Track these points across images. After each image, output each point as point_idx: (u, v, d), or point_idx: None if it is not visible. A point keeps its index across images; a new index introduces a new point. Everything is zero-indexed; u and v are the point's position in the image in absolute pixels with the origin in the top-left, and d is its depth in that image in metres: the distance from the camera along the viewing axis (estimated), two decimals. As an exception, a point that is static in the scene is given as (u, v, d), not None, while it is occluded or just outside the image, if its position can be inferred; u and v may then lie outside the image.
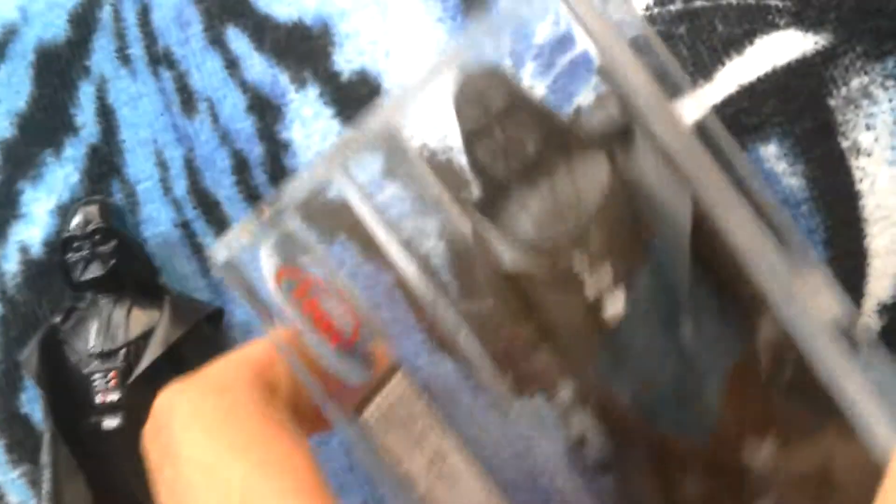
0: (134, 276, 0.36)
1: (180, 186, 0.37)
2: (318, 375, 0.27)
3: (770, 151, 0.34)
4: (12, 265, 0.39)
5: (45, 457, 0.35)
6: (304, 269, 0.31)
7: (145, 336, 0.35)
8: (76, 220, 0.35)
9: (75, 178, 0.38)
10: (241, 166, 0.36)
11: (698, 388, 0.26)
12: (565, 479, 0.29)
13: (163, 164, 0.37)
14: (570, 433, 0.26)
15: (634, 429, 0.26)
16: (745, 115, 0.34)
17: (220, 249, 0.27)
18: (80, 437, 0.35)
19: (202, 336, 0.35)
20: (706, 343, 0.26)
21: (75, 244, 0.35)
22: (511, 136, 0.26)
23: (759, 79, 0.34)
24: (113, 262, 0.35)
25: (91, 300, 0.36)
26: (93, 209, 0.35)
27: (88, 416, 0.35)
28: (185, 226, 0.37)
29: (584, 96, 0.34)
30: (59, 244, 0.35)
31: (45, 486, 0.34)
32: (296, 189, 0.28)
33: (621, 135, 0.26)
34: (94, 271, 0.35)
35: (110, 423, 0.34)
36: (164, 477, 0.23)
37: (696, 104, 0.34)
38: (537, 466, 0.31)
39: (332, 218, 0.33)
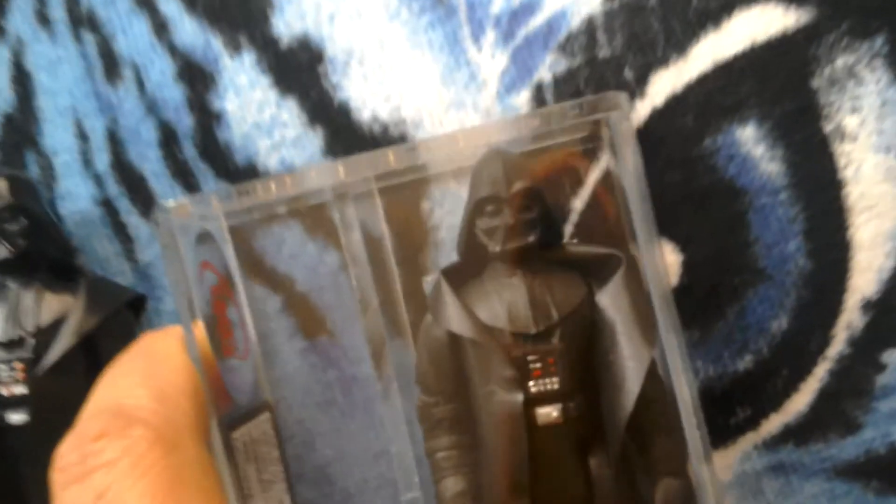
0: (47, 257, 0.32)
1: (102, 160, 0.34)
2: (210, 373, 0.27)
3: (747, 134, 0.31)
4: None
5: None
6: (223, 272, 0.31)
7: (57, 324, 0.31)
8: None
9: (-14, 148, 0.35)
10: (168, 138, 0.33)
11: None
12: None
13: (83, 135, 0.34)
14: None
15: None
16: (720, 94, 0.32)
17: (167, 210, 0.26)
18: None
19: (121, 325, 0.32)
20: (613, 485, 0.27)
21: None
22: (519, 219, 0.27)
23: (736, 56, 0.32)
24: (23, 242, 0.32)
25: None
26: (1, 184, 0.32)
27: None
28: (106, 203, 0.34)
29: (542, 73, 0.32)
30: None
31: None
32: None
33: (601, 266, 0.28)
34: (1, 252, 0.31)
35: (15, 417, 0.31)
36: None
37: (669, 82, 0.32)
38: None
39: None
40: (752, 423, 0.32)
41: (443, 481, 0.28)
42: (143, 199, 0.34)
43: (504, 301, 0.27)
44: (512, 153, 0.28)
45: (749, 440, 0.32)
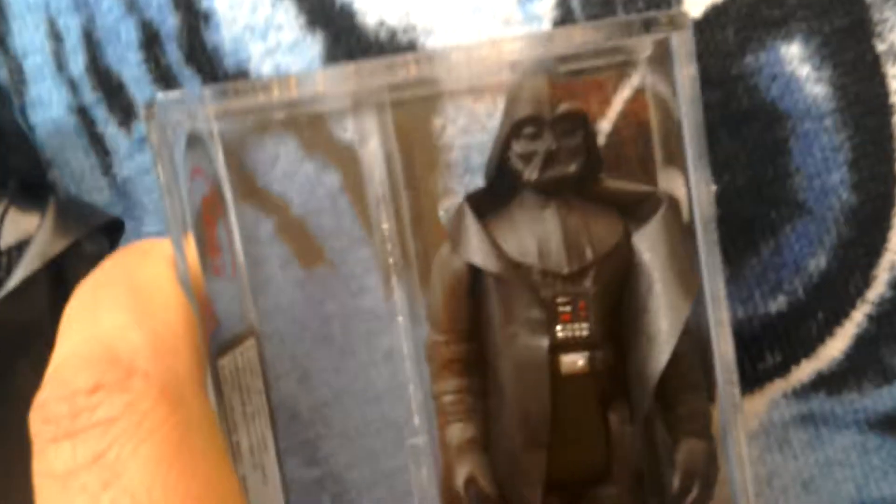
0: (13, 171, 0.29)
1: (77, 63, 0.31)
2: (200, 297, 0.24)
3: (793, 52, 0.29)
4: None
5: None
6: (214, 182, 0.28)
7: (21, 245, 0.28)
8: None
9: (-54, 47, 0.31)
10: (150, 40, 0.30)
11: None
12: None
13: (56, 35, 0.31)
14: (460, 472, 0.26)
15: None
16: (765, 6, 0.29)
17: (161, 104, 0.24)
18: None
19: (92, 251, 0.29)
20: (632, 443, 0.26)
21: None
22: (561, 145, 0.25)
23: None
24: None
25: None
26: None
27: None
28: (81, 112, 0.31)
29: None
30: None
31: None
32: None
33: (639, 205, 0.26)
34: None
35: None
36: (77, 482, 0.19)
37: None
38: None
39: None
40: (783, 369, 0.30)
41: (449, 426, 0.26)
42: (122, 106, 0.31)
43: (535, 235, 0.25)
44: (558, 72, 0.26)
45: (778, 388, 0.30)
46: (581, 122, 0.26)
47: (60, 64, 0.31)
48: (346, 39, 0.30)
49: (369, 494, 0.31)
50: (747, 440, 0.30)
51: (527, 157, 0.26)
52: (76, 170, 0.31)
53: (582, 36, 0.25)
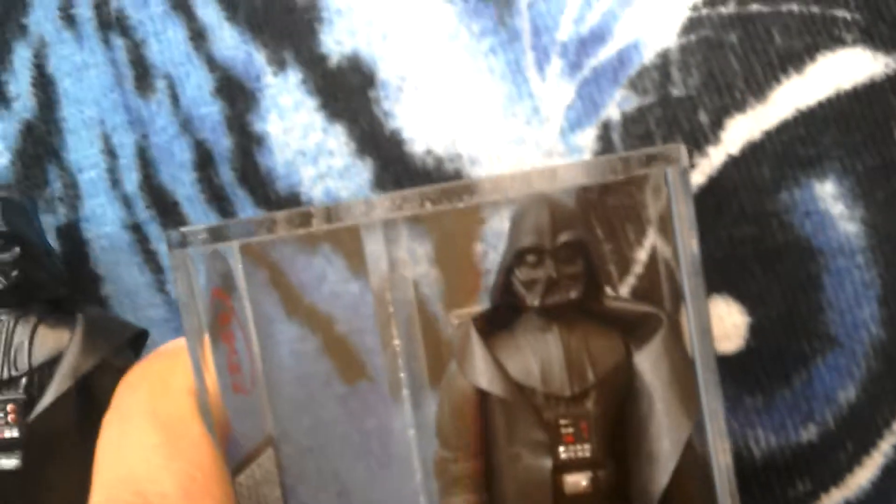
0: (42, 289, 0.30)
1: (131, 180, 0.32)
2: (216, 412, 0.26)
3: (826, 190, 0.30)
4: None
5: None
6: (233, 302, 0.29)
7: (52, 362, 0.30)
8: None
9: (5, 158, 0.33)
10: (204, 160, 0.31)
11: None
12: None
13: (111, 152, 0.32)
14: None
15: None
16: (801, 144, 0.30)
17: (179, 236, 0.25)
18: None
19: (120, 364, 0.30)
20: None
21: None
22: (562, 273, 0.26)
23: (820, 103, 0.30)
24: (15, 273, 0.30)
25: None
26: None
27: (-19, 455, 0.30)
28: (135, 228, 0.32)
29: (610, 110, 0.30)
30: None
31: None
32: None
33: (640, 325, 0.27)
34: None
35: (7, 462, 0.29)
36: None
37: (747, 128, 0.30)
38: None
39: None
40: (813, 497, 0.31)
41: None
42: (176, 224, 0.32)
43: (538, 357, 0.26)
44: (560, 200, 0.27)
45: (808, 515, 0.31)
46: (581, 250, 0.26)
47: (115, 180, 0.32)
48: (394, 166, 0.31)
49: None
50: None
51: (529, 284, 0.26)
52: (130, 286, 0.33)
53: (584, 171, 0.26)
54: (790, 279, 0.30)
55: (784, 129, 0.30)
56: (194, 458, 0.24)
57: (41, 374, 0.30)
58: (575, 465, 0.26)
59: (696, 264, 0.26)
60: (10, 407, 0.29)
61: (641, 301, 0.28)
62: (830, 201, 0.30)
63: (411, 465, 0.27)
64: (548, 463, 0.25)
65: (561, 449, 0.26)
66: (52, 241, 0.32)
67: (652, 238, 0.31)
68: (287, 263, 0.31)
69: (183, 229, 0.25)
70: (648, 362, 0.26)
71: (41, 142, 0.32)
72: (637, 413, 0.26)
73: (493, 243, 0.31)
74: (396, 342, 0.28)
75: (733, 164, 0.31)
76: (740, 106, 0.30)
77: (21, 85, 0.33)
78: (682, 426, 0.25)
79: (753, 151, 0.30)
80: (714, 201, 0.31)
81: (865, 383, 0.31)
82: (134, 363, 0.30)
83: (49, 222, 0.32)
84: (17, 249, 0.30)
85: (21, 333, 0.30)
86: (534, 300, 0.26)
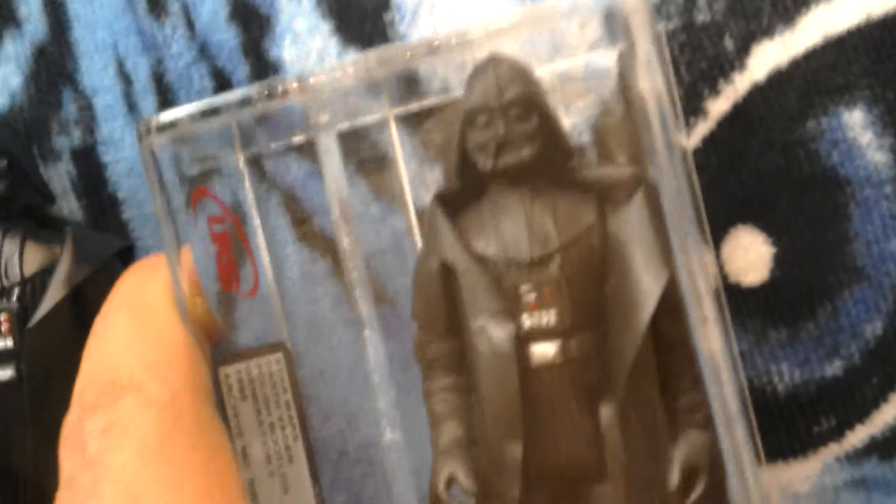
0: (28, 204, 0.31)
1: (148, 104, 0.32)
2: (194, 309, 0.27)
3: (855, 119, 0.30)
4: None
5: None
6: (230, 203, 0.30)
7: (42, 274, 0.30)
8: None
9: (17, 80, 0.32)
10: (223, 88, 0.31)
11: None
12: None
13: (125, 76, 0.32)
14: (442, 472, 0.26)
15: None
16: (829, 72, 0.30)
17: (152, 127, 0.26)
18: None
19: (109, 275, 0.31)
20: (625, 438, 0.25)
21: None
22: (512, 131, 0.25)
23: (849, 31, 0.30)
24: (3, 185, 0.30)
25: None
26: None
27: (-27, 366, 0.31)
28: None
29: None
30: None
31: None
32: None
33: (617, 190, 0.26)
34: None
35: (1, 374, 0.29)
36: (76, 483, 0.22)
37: (774, 55, 0.30)
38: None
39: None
40: (837, 433, 0.31)
41: (439, 426, 0.26)
42: (192, 150, 0.32)
43: (499, 227, 0.26)
44: (509, 57, 0.26)
45: (831, 451, 0.31)
46: (534, 106, 0.25)
47: (132, 104, 0.32)
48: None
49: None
50: (799, 502, 0.31)
51: (481, 147, 0.26)
52: (151, 212, 0.32)
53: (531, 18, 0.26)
54: (816, 209, 0.30)
55: (812, 56, 0.30)
56: (161, 336, 0.25)
57: (33, 284, 0.30)
58: (541, 334, 0.25)
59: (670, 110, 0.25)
60: (3, 317, 0.30)
61: (617, 164, 0.27)
62: (859, 130, 0.30)
63: (385, 396, 0.27)
64: (509, 331, 0.25)
65: (524, 316, 0.25)
66: (67, 163, 0.32)
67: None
68: (300, 186, 0.31)
69: (151, 118, 0.26)
70: (623, 223, 0.25)
71: (54, 65, 0.32)
72: (613, 276, 0.25)
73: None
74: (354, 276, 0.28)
75: (759, 92, 0.30)
76: (767, 32, 0.30)
77: (31, 6, 0.33)
78: (660, 274, 0.24)
79: (780, 79, 0.30)
80: (740, 129, 0.30)
81: (893, 317, 0.30)
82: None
83: (63, 144, 0.32)
84: (4, 162, 0.30)
85: (10, 245, 0.30)
86: (486, 163, 0.25)
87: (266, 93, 0.26)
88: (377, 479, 0.32)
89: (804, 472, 0.31)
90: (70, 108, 0.33)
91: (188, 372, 0.24)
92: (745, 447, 0.24)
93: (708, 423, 0.25)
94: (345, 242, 0.27)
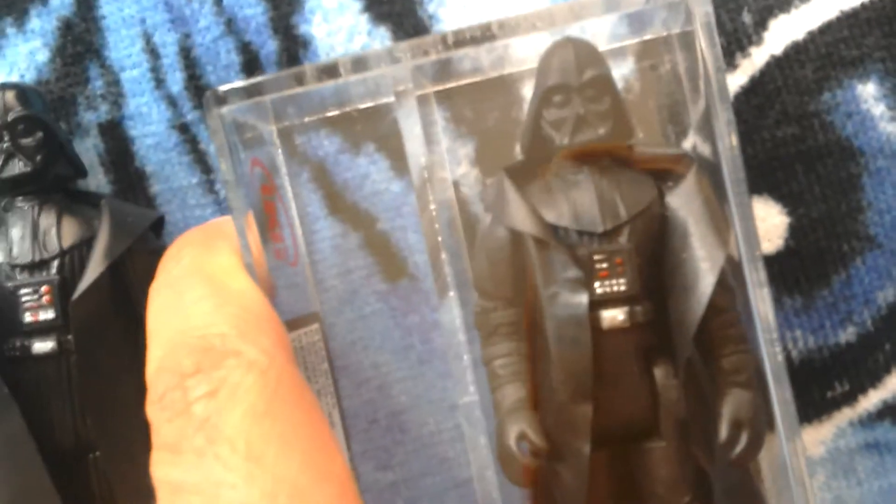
0: (62, 177, 0.32)
1: (175, 80, 0.33)
2: (263, 276, 0.28)
3: (868, 91, 0.31)
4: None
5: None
6: (274, 180, 0.31)
7: (81, 245, 0.31)
8: None
9: (44, 55, 0.33)
10: (251, 63, 0.32)
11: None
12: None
13: (153, 51, 0.33)
14: (512, 430, 0.27)
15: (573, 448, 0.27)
16: (843, 45, 0.31)
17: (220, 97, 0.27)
18: (2, 361, 0.31)
19: (147, 247, 0.32)
20: (678, 397, 0.27)
21: None
22: (589, 110, 0.27)
23: (863, 4, 0.32)
24: (40, 157, 0.30)
25: (7, 202, 0.31)
26: (10, 94, 0.31)
27: (14, 337, 0.30)
28: (183, 128, 0.33)
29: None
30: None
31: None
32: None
33: (670, 171, 0.28)
34: (17, 167, 0.30)
35: (42, 346, 0.30)
36: (185, 445, 0.23)
37: (790, 28, 0.31)
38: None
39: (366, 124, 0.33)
40: (850, 398, 0.32)
41: (500, 389, 0.28)
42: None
43: (570, 199, 0.27)
44: (583, 40, 0.28)
45: (845, 416, 0.32)
46: (608, 88, 0.27)
47: (159, 80, 0.33)
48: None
49: (441, 502, 0.33)
50: (813, 466, 0.32)
51: (558, 124, 0.27)
52: (179, 185, 0.33)
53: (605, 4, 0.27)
54: (831, 179, 0.31)
55: (827, 29, 0.31)
56: (243, 302, 0.26)
57: (72, 256, 0.31)
58: (611, 301, 0.27)
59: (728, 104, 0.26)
60: (44, 288, 0.30)
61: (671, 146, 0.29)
62: (872, 102, 0.31)
63: (461, 361, 0.28)
64: (584, 298, 0.26)
65: (596, 284, 0.27)
66: (95, 137, 0.33)
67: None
68: (331, 162, 0.32)
69: (218, 88, 0.27)
70: (681, 200, 0.27)
71: (81, 40, 0.33)
72: (672, 248, 0.27)
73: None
74: (440, 239, 0.29)
75: (776, 65, 0.32)
76: (784, 6, 0.31)
77: (58, -18, 0.33)
78: (717, 255, 0.26)
79: (797, 52, 0.31)
80: (756, 102, 0.32)
81: (905, 284, 0.31)
82: (158, 246, 0.31)
83: (90, 119, 0.33)
84: (41, 134, 0.30)
85: (47, 218, 0.31)
86: (563, 139, 0.27)
87: (350, 64, 0.27)
88: (406, 447, 0.33)
89: (818, 436, 0.33)
90: (97, 83, 0.33)
91: (276, 335, 0.25)
92: (791, 403, 0.26)
93: (750, 383, 0.27)
94: (430, 207, 0.28)
